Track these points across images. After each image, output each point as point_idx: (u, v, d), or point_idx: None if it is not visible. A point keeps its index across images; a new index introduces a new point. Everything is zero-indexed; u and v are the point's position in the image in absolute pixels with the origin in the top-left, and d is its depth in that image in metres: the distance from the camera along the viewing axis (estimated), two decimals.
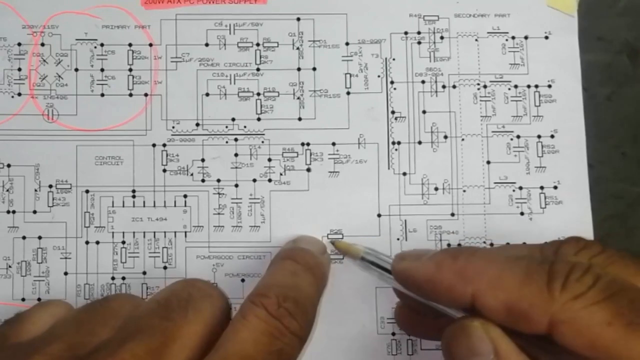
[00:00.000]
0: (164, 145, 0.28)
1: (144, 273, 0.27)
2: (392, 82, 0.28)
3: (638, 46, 0.29)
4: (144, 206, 0.28)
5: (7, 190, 0.28)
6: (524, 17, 0.28)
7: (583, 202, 0.28)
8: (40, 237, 0.28)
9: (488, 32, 0.28)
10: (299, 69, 0.28)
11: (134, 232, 0.28)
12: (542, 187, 0.28)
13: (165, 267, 0.28)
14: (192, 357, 0.21)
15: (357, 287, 0.27)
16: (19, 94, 0.28)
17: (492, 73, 0.28)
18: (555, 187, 0.28)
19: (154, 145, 0.28)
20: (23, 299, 0.27)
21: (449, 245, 0.28)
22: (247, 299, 0.22)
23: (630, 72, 0.29)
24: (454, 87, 0.28)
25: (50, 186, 0.28)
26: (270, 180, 0.28)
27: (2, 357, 0.21)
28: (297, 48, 0.28)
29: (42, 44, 0.28)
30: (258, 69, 0.28)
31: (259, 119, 0.28)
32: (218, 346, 0.21)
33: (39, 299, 0.27)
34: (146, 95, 0.28)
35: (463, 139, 0.28)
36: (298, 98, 0.28)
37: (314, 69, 0.28)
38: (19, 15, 0.28)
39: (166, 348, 0.20)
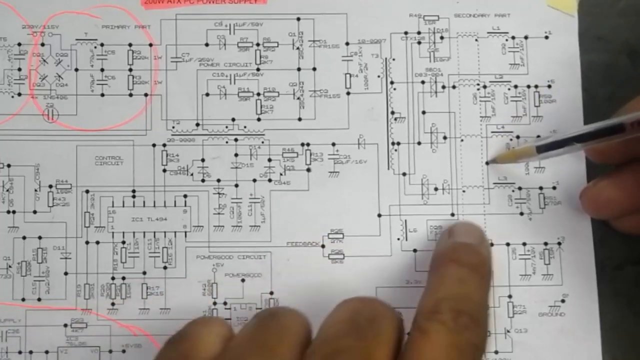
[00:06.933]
0: (164, 145, 0.28)
1: (144, 273, 0.28)
2: (392, 83, 0.28)
3: (638, 46, 0.29)
4: (144, 206, 0.28)
5: (7, 190, 0.28)
6: (524, 17, 0.28)
7: None
8: (40, 237, 0.28)
9: (488, 32, 0.28)
10: (299, 69, 0.28)
11: (134, 232, 0.28)
12: (541, 188, 0.28)
13: (165, 267, 0.28)
14: None
15: (357, 287, 0.27)
16: (19, 94, 0.28)
17: (492, 73, 0.28)
18: (554, 188, 0.28)
19: (154, 145, 0.28)
20: (23, 299, 0.27)
21: None
22: (420, 316, 0.22)
23: (630, 72, 0.29)
24: (454, 87, 0.28)
25: (50, 186, 0.28)
26: (270, 180, 0.28)
27: None
28: (297, 48, 0.28)
29: (42, 44, 0.28)
30: (258, 69, 0.28)
31: (259, 119, 0.28)
32: None
33: (39, 299, 0.27)
34: (146, 95, 0.28)
35: (462, 140, 0.28)
36: (298, 98, 0.28)
37: (314, 69, 0.28)
38: (19, 15, 0.28)
39: None
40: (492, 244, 0.27)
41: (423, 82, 0.28)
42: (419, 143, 0.28)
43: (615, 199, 0.25)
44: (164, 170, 0.28)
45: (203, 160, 0.28)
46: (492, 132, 0.28)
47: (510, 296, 0.27)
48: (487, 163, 0.28)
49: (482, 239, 0.26)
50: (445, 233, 0.27)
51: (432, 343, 0.21)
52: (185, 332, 0.23)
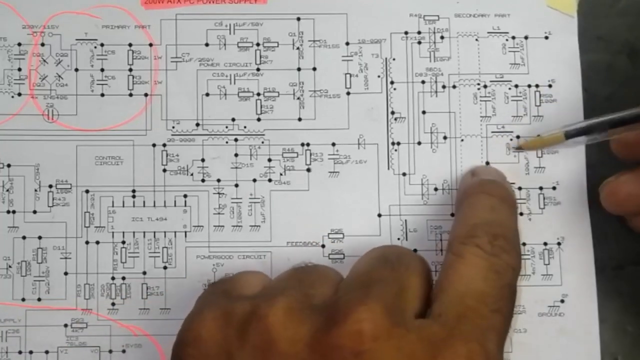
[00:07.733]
0: (164, 145, 0.28)
1: (144, 273, 0.28)
2: (392, 82, 0.28)
3: (638, 46, 0.29)
4: (144, 206, 0.28)
5: (7, 190, 0.28)
6: (524, 17, 0.28)
7: (581, 203, 0.27)
8: (40, 237, 0.28)
9: (488, 32, 0.28)
10: (299, 69, 0.28)
11: (134, 232, 0.28)
12: (541, 188, 0.28)
13: (165, 267, 0.28)
14: (421, 306, 0.22)
15: None
16: (19, 94, 0.28)
17: (492, 73, 0.28)
18: (554, 188, 0.28)
19: (154, 145, 0.28)
20: (23, 299, 0.27)
21: None
22: (455, 241, 0.23)
23: (630, 72, 0.29)
24: (454, 87, 0.28)
25: (50, 186, 0.28)
26: (270, 180, 0.28)
27: (239, 299, 0.22)
28: (297, 48, 0.28)
29: (42, 44, 0.28)
30: (258, 69, 0.28)
31: (259, 119, 0.28)
32: (444, 287, 0.21)
33: (39, 299, 0.27)
34: (146, 95, 0.28)
35: (462, 140, 0.28)
36: (298, 98, 0.28)
37: (314, 69, 0.28)
38: (19, 15, 0.28)
39: (402, 296, 0.21)
40: None
41: (423, 82, 0.28)
42: (419, 143, 0.28)
43: (635, 194, 0.25)
44: (164, 170, 0.28)
45: (203, 160, 0.28)
46: (493, 132, 0.28)
47: None
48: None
49: (504, 178, 0.27)
50: (468, 173, 0.27)
51: (470, 265, 0.21)
52: (228, 276, 0.25)
